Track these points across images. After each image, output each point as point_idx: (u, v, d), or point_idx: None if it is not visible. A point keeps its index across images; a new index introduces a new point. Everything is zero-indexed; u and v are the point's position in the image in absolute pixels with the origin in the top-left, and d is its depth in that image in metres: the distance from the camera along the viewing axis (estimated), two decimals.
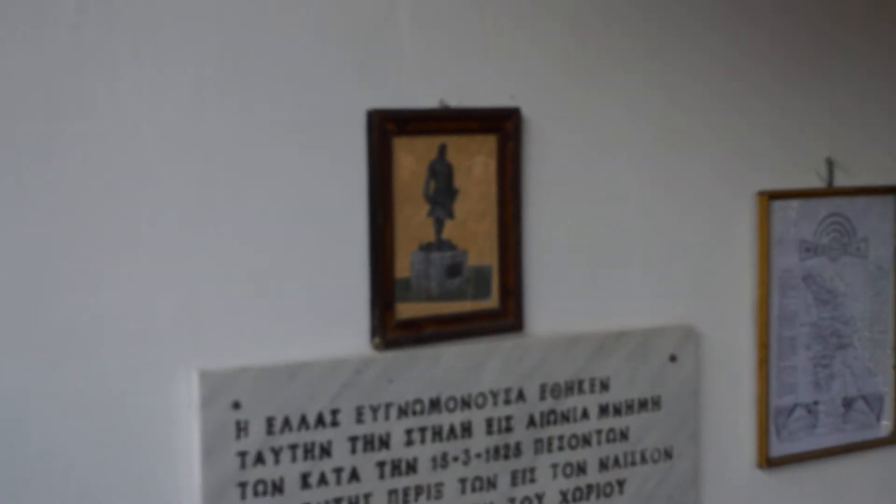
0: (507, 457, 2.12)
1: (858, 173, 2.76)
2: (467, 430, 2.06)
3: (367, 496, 1.97)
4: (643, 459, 2.31)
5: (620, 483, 2.27)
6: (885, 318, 2.73)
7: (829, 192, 2.59)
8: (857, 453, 2.68)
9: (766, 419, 2.53)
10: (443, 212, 2.03)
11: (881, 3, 2.90)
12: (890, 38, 2.93)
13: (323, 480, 1.93)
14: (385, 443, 1.99)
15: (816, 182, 2.62)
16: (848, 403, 2.64)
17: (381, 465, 1.99)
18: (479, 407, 2.09)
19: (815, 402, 2.61)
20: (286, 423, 1.89)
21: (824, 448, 2.60)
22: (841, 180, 2.67)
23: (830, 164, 2.61)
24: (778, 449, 2.53)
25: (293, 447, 1.89)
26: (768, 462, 2.52)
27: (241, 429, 1.82)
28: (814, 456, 2.60)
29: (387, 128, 1.95)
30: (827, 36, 2.79)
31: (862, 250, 2.65)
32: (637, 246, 2.42)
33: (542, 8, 2.32)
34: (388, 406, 1.98)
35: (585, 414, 2.21)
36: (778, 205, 2.50)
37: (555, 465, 2.18)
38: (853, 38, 2.85)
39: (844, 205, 2.60)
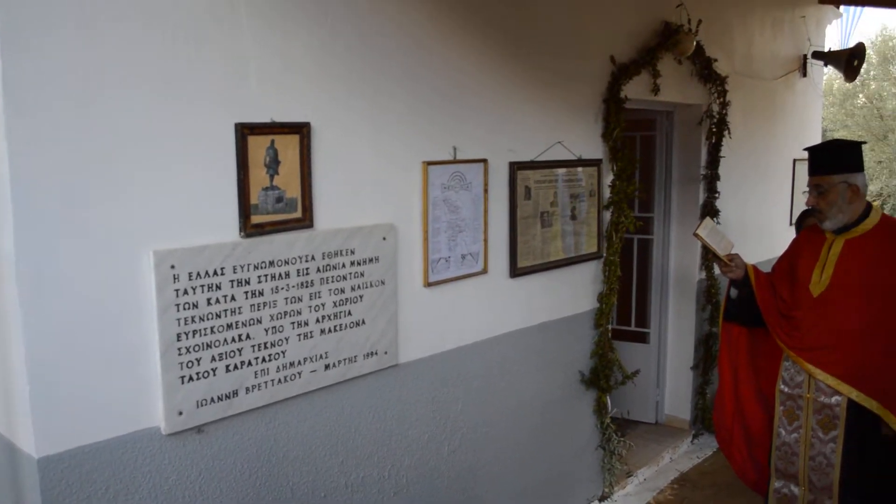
0: (306, 286, 2.69)
1: (467, 152, 3.26)
2: (288, 274, 2.62)
3: (239, 308, 2.49)
4: (371, 285, 2.90)
5: (361, 297, 2.86)
6: (479, 217, 3.32)
7: (454, 161, 3.17)
8: (466, 279, 3.33)
9: (427, 264, 3.11)
10: (273, 172, 2.56)
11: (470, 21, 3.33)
12: (490, 57, 3.36)
13: (217, 301, 2.44)
14: (248, 282, 2.51)
15: (449, 156, 3.17)
16: (463, 256, 3.28)
17: (245, 292, 2.50)
18: (293, 263, 2.64)
19: (449, 257, 3.21)
20: (199, 274, 2.38)
21: (453, 276, 3.25)
22: (460, 156, 3.21)
23: (455, 148, 3.17)
24: (432, 278, 3.15)
25: (202, 286, 2.40)
26: (428, 284, 3.14)
27: (175, 278, 2.32)
28: (448, 280, 3.24)
29: (244, 132, 2.46)
30: (452, 64, 3.20)
31: (468, 187, 3.26)
32: (361, 187, 2.89)
33: (328, 56, 2.67)
34: (248, 264, 2.50)
35: (344, 265, 2.79)
36: (432, 168, 3.06)
37: (330, 290, 2.75)
38: (465, 61, 3.28)
39: (461, 167, 3.19)
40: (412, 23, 3.03)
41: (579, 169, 3.96)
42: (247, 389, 2.59)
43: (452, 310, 3.35)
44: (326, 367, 2.83)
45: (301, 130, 2.65)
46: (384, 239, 2.98)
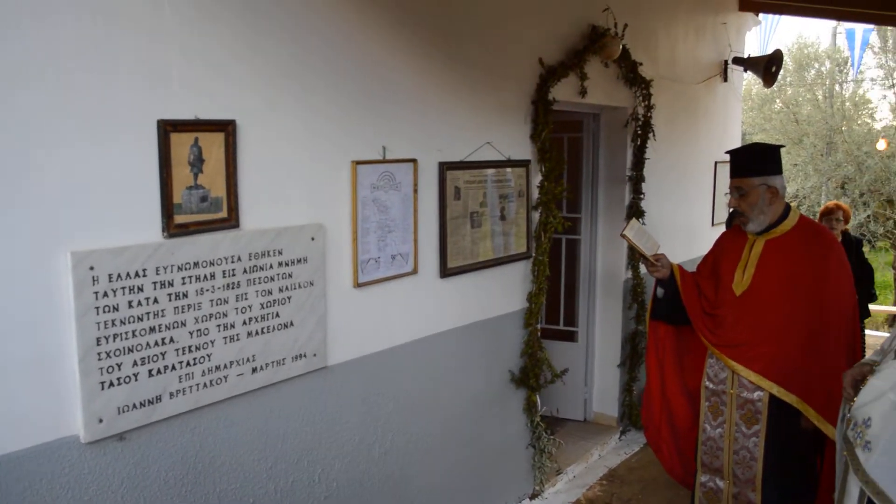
0: (233, 287, 2.63)
1: (396, 152, 3.25)
2: (213, 275, 2.56)
3: (162, 311, 2.43)
4: (299, 286, 2.86)
5: (289, 298, 2.82)
6: (409, 218, 3.31)
7: (384, 161, 3.15)
8: (396, 280, 3.32)
9: (357, 265, 3.08)
10: (198, 170, 2.50)
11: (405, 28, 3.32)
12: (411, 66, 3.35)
13: (139, 303, 2.38)
14: (171, 283, 2.45)
15: (379, 156, 3.15)
16: (393, 256, 3.27)
17: (169, 294, 2.44)
18: (218, 264, 2.58)
19: (378, 257, 3.19)
20: (119, 275, 2.31)
21: (383, 277, 3.23)
22: (389, 155, 3.19)
23: (384, 148, 3.16)
24: (362, 278, 3.12)
25: (123, 288, 2.33)
26: (358, 285, 3.11)
27: (94, 280, 2.25)
28: (378, 281, 3.22)
29: (167, 129, 2.39)
30: (383, 64, 3.19)
31: (398, 187, 3.24)
32: (288, 186, 2.83)
33: (255, 54, 2.62)
34: (172, 265, 2.44)
35: (271, 266, 2.75)
36: (361, 167, 3.04)
37: (257, 291, 2.71)
38: (398, 71, 3.25)
39: (391, 166, 3.18)
40: (343, 21, 3.00)
41: (508, 169, 4.00)
42: (171, 394, 2.52)
43: (383, 311, 3.33)
44: (254, 370, 2.78)
45: (226, 128, 2.60)
46: (313, 239, 2.94)
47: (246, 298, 2.72)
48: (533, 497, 4.52)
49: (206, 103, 2.53)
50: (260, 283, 2.76)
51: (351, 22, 3.03)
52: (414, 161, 3.37)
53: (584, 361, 5.56)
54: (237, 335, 2.70)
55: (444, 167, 3.56)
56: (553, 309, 5.57)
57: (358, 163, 3.08)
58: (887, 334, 7.35)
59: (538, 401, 4.43)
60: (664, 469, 3.86)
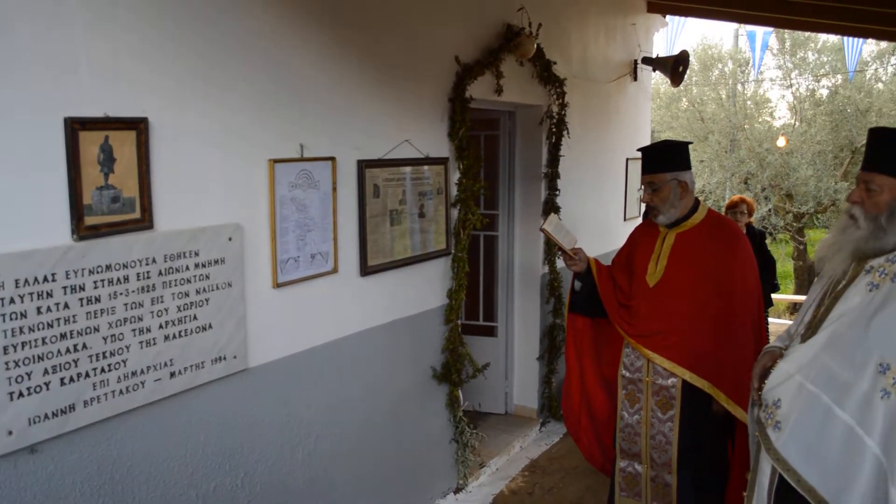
0: (147, 290, 2.57)
1: (314, 150, 3.22)
2: (126, 278, 2.49)
3: (73, 316, 2.35)
4: (217, 288, 2.81)
5: (207, 300, 2.77)
6: (328, 216, 3.29)
7: (301, 159, 3.12)
8: (316, 279, 3.29)
9: (276, 264, 3.05)
10: (108, 170, 2.43)
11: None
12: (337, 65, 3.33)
13: (48, 309, 2.29)
14: (83, 287, 2.37)
15: (297, 154, 3.12)
16: (313, 256, 3.24)
17: (80, 299, 2.36)
18: (132, 267, 2.51)
19: (298, 257, 3.16)
20: (26, 281, 2.23)
21: (303, 277, 3.21)
22: (307, 153, 3.16)
23: (302, 146, 3.13)
24: (281, 278, 3.09)
25: (31, 293, 2.24)
26: (278, 285, 3.08)
27: (0, 286, 2.16)
28: (298, 281, 3.19)
29: (75, 127, 2.31)
30: (300, 61, 3.16)
31: (316, 186, 3.22)
32: (204, 186, 2.79)
33: (168, 49, 2.56)
34: (83, 269, 2.37)
35: (188, 268, 2.69)
36: (279, 165, 3.01)
37: (174, 294, 2.64)
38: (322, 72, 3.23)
39: (309, 164, 3.15)
40: (258, 19, 2.96)
41: (426, 167, 4.02)
42: (85, 403, 2.44)
43: (303, 310, 3.31)
44: (172, 374, 2.72)
45: (138, 126, 2.53)
46: (230, 239, 2.89)
47: (162, 301, 2.66)
48: (457, 491, 4.56)
49: (116, 101, 2.45)
50: (176, 285, 2.70)
51: (267, 20, 3.00)
52: (332, 159, 3.35)
53: (505, 355, 5.65)
54: (153, 339, 2.64)
55: (363, 165, 3.56)
56: (473, 305, 5.63)
57: (275, 161, 3.05)
58: (789, 322, 7.71)
59: (460, 396, 4.48)
60: (584, 457, 3.96)
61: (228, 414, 2.98)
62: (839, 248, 2.30)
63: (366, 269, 3.64)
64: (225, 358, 2.92)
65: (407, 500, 4.15)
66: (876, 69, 15.57)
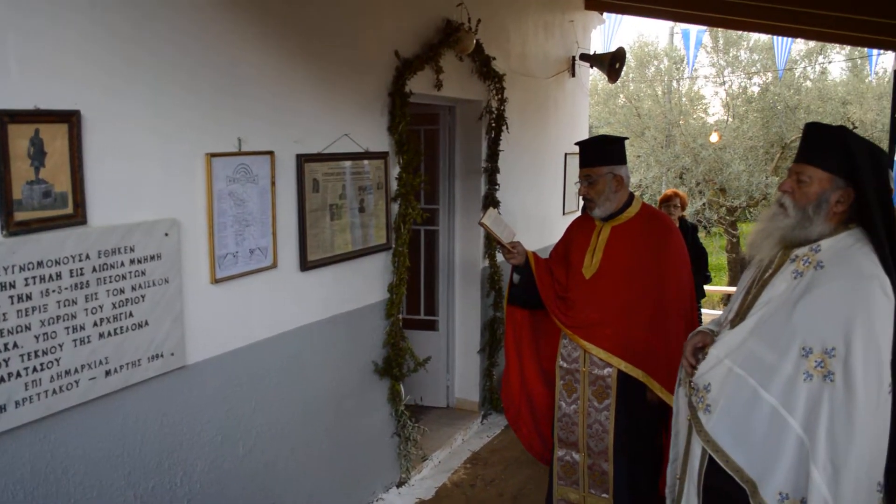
0: (81, 287, 2.52)
1: (252, 144, 3.21)
2: (59, 275, 2.45)
3: (3, 315, 2.30)
4: (154, 284, 2.78)
5: (143, 297, 2.73)
6: (267, 211, 3.28)
7: (239, 153, 3.10)
8: (256, 274, 3.28)
9: (214, 260, 3.03)
10: (39, 164, 2.37)
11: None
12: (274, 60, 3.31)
13: None
14: (13, 285, 2.32)
15: (234, 148, 3.10)
16: (252, 251, 3.23)
17: (10, 297, 2.32)
18: (65, 263, 2.47)
19: (236, 252, 3.15)
20: None
21: (242, 272, 3.19)
22: (245, 147, 3.15)
23: (240, 140, 3.12)
24: (220, 274, 3.07)
25: None
26: (216, 281, 3.06)
27: None
28: (236, 276, 3.17)
29: (4, 119, 2.26)
30: (238, 54, 3.13)
31: (255, 180, 3.18)
32: (140, 180, 2.74)
33: (102, 40, 2.50)
34: (13, 266, 2.32)
35: (123, 264, 2.65)
36: (216, 160, 2.98)
37: (109, 290, 2.60)
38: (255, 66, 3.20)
39: (247, 158, 3.14)
40: (195, 10, 2.92)
41: (366, 161, 4.03)
42: (16, 403, 2.38)
43: (242, 306, 3.28)
44: (107, 373, 2.68)
45: (70, 119, 2.48)
46: (166, 235, 2.86)
47: (96, 298, 2.61)
48: (400, 485, 4.58)
49: (47, 93, 2.40)
50: (111, 281, 2.66)
51: (204, 11, 2.96)
52: (271, 153, 3.33)
53: (446, 349, 5.69)
54: (88, 337, 2.59)
55: (303, 159, 3.54)
56: (414, 299, 5.66)
57: (212, 155, 3.02)
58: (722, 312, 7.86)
59: (402, 390, 4.50)
60: (524, 448, 4.03)
61: (166, 412, 2.95)
62: (768, 234, 2.40)
63: (306, 264, 3.63)
64: (162, 355, 2.88)
65: (349, 494, 4.16)
66: (804, 67, 16.09)
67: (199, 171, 2.99)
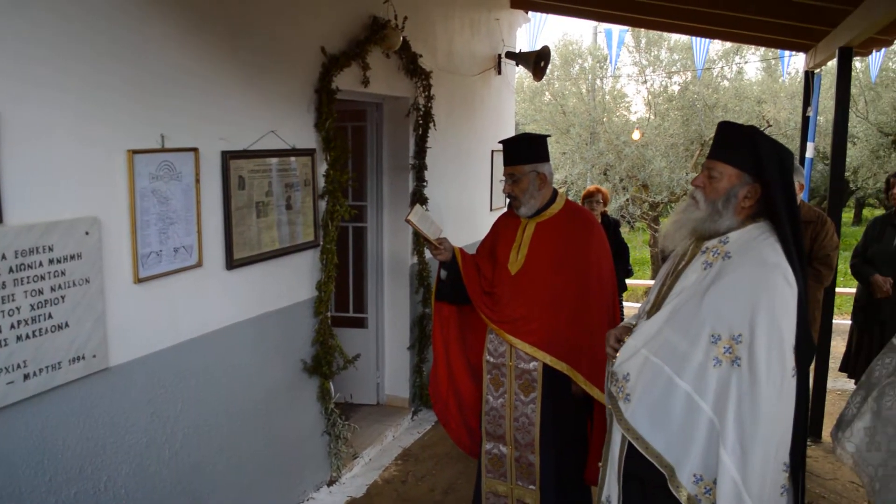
0: None
1: (176, 140, 3.17)
2: None
3: None
4: (74, 284, 2.72)
5: (62, 297, 2.67)
6: (191, 209, 3.25)
7: (162, 150, 3.06)
8: (180, 273, 3.24)
9: (137, 259, 2.96)
10: None
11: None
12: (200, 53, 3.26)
13: None
14: None
15: (157, 145, 3.05)
16: (176, 249, 3.19)
17: None
18: None
19: (160, 250, 3.11)
20: None
21: (166, 271, 3.15)
22: (169, 144, 3.10)
23: (163, 136, 3.06)
24: (143, 273, 3.03)
25: None
26: (139, 280, 3.02)
27: None
28: (160, 275, 3.13)
29: None
30: (161, 49, 3.08)
31: (179, 177, 3.17)
32: (58, 178, 2.69)
33: (18, 32, 2.43)
34: None
35: (41, 264, 2.59)
36: (138, 156, 2.94)
37: (26, 291, 2.54)
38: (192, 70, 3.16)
39: (170, 155, 3.10)
40: (115, 6, 2.86)
41: (293, 158, 4.01)
42: None
43: (167, 306, 3.24)
44: (25, 377, 2.61)
45: None
46: (87, 233, 2.80)
47: (13, 300, 2.54)
48: (331, 483, 4.58)
49: None
50: (28, 282, 2.59)
51: (125, 6, 2.90)
52: (195, 150, 3.29)
53: (375, 346, 5.70)
54: (5, 340, 2.52)
55: (228, 156, 3.51)
56: (342, 296, 5.65)
57: (134, 152, 2.97)
58: None
59: (332, 388, 4.50)
60: (454, 442, 4.06)
61: (89, 415, 2.89)
62: (680, 225, 2.51)
63: (232, 263, 3.60)
64: (83, 357, 2.82)
65: (280, 494, 4.14)
66: (722, 67, 16.62)
67: (121, 169, 2.94)
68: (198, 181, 3.31)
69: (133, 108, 2.98)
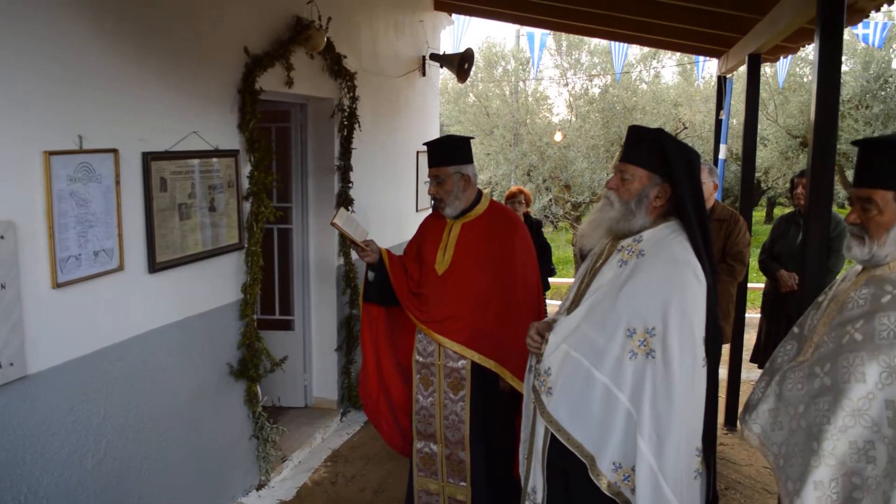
0: None
1: (95, 141, 3.10)
2: None
3: None
4: None
5: None
6: (112, 212, 3.18)
7: (80, 151, 3.00)
8: (101, 277, 3.18)
9: (55, 263, 2.88)
10: None
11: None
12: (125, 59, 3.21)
13: None
14: None
15: (75, 146, 2.97)
16: (96, 253, 3.12)
17: None
18: None
19: (80, 254, 3.04)
20: None
21: (86, 275, 3.08)
22: (87, 145, 3.04)
23: (80, 137, 3.00)
24: (62, 278, 2.94)
25: None
26: (58, 285, 2.93)
27: None
28: (80, 280, 3.06)
29: None
30: (78, 47, 3.02)
31: (98, 179, 3.10)
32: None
33: None
34: None
35: None
36: (55, 158, 2.87)
37: None
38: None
39: (89, 157, 3.04)
40: (29, 3, 2.78)
41: (216, 160, 3.97)
42: None
43: (88, 311, 3.17)
44: None
45: None
46: (2, 238, 2.72)
47: None
48: (259, 487, 4.55)
49: None
50: None
51: (39, 5, 2.82)
52: (115, 151, 3.23)
53: (302, 348, 5.67)
54: None
55: (149, 158, 3.46)
56: (268, 299, 5.60)
57: (51, 153, 2.90)
58: None
59: (259, 391, 4.46)
60: (385, 442, 4.08)
61: (6, 425, 2.80)
62: (596, 224, 2.61)
63: (154, 266, 3.54)
64: (0, 366, 2.73)
65: (209, 499, 4.10)
66: (640, 71, 17.08)
67: (37, 170, 2.86)
68: (118, 183, 3.25)
69: (49, 109, 2.90)
